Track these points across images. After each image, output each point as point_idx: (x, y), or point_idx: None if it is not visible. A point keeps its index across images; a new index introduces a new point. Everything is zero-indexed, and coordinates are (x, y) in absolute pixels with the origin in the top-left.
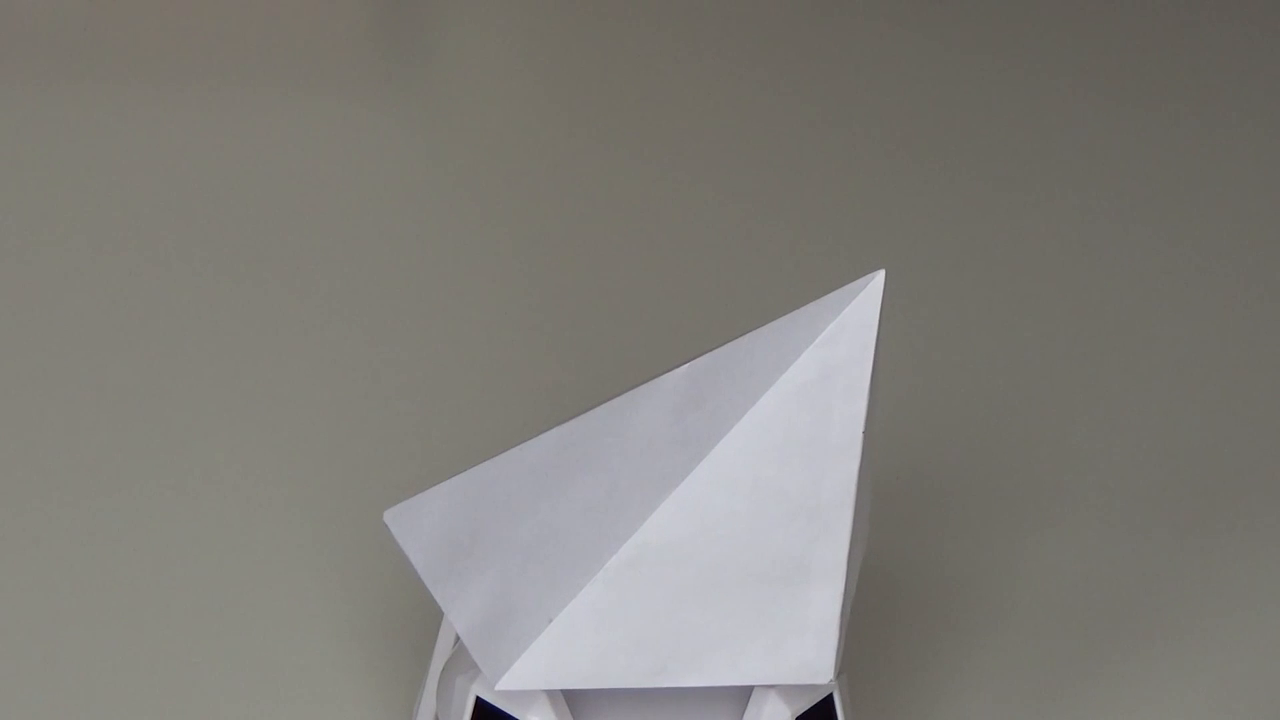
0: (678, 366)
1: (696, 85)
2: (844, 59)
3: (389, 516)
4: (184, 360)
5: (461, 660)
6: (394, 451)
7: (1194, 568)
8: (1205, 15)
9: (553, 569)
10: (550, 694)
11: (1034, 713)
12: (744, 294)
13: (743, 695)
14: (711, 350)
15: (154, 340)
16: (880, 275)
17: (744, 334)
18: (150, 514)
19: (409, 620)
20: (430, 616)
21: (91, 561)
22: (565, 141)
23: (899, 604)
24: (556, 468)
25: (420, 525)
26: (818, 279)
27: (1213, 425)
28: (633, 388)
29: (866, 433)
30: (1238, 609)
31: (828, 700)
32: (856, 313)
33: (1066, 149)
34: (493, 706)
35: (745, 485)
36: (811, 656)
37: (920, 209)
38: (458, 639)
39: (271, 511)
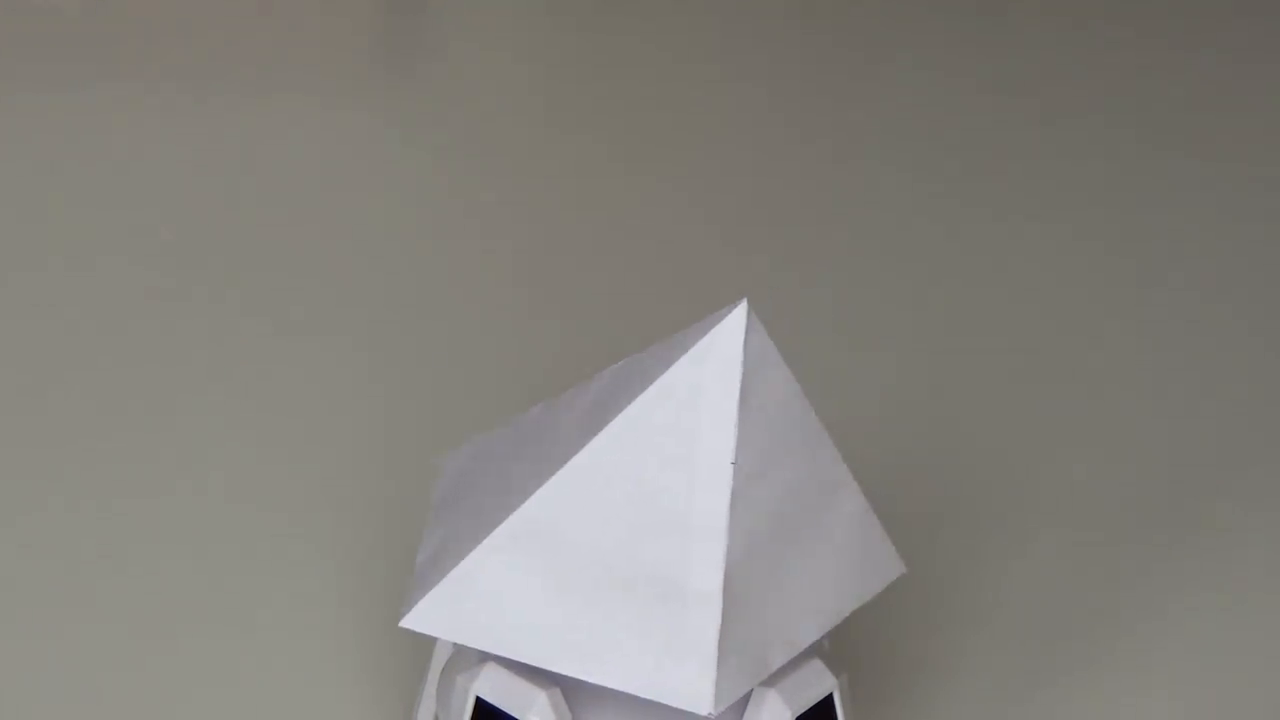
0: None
1: (696, 85)
2: (844, 58)
3: (440, 459)
4: (185, 360)
5: (461, 660)
6: (394, 451)
7: (1179, 570)
8: (1198, 18)
9: (474, 529)
10: (550, 694)
11: (1034, 712)
12: (744, 293)
13: (742, 695)
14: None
15: (155, 340)
16: (743, 305)
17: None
18: (150, 514)
19: None
20: None
21: (92, 562)
22: (565, 141)
23: (899, 605)
24: (520, 441)
25: (449, 470)
26: (818, 277)
27: (1193, 431)
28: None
29: (762, 477)
30: (1220, 610)
31: (828, 700)
32: (722, 339)
33: (1045, 156)
34: (493, 706)
35: (620, 483)
36: (693, 682)
37: (908, 215)
38: None
39: (271, 512)
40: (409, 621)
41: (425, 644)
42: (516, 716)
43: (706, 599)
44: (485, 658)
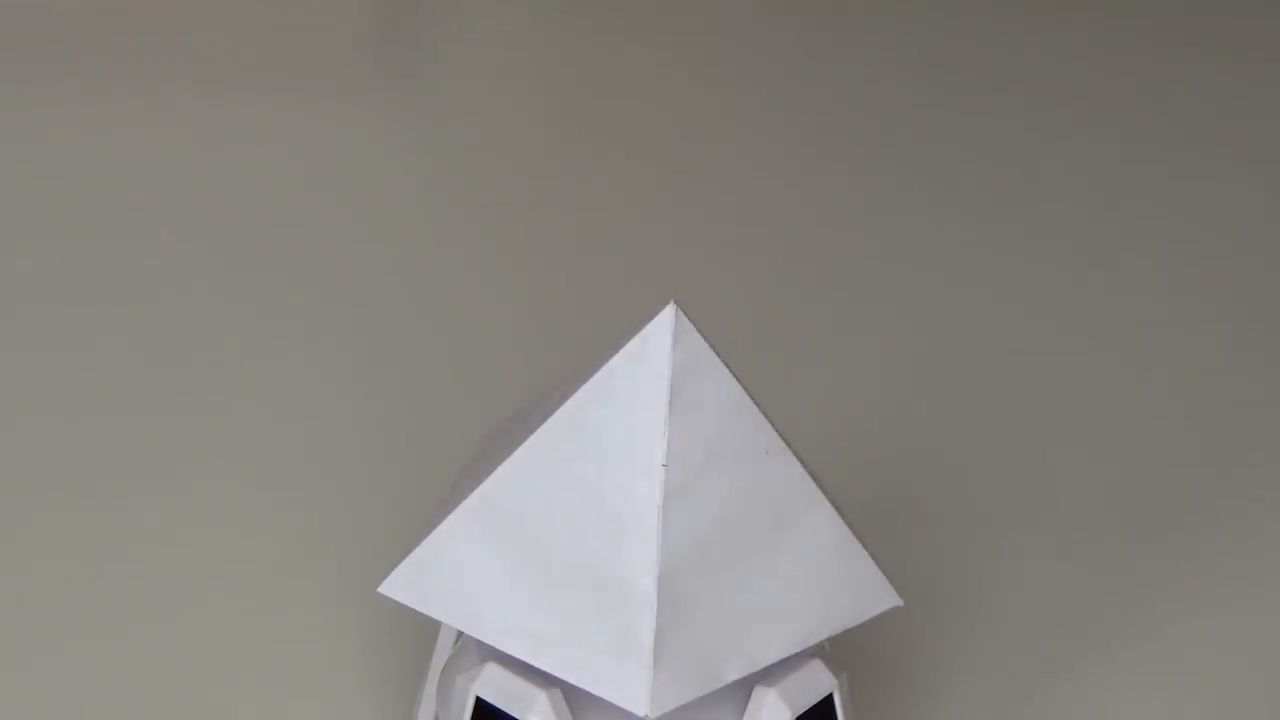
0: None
1: (696, 84)
2: (842, 58)
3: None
4: (185, 360)
5: (461, 660)
6: (395, 450)
7: (1178, 569)
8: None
9: (450, 504)
10: (550, 694)
11: (1035, 712)
12: (744, 292)
13: (743, 695)
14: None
15: (155, 340)
16: (670, 308)
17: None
18: (150, 514)
19: (409, 621)
20: (430, 618)
21: (92, 562)
22: (565, 141)
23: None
24: (511, 424)
25: (475, 447)
26: (816, 277)
27: (1184, 426)
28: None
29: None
30: (1220, 609)
31: (828, 700)
32: (651, 340)
33: (1047, 155)
34: (493, 706)
35: (563, 477)
36: (632, 682)
37: (903, 216)
38: (458, 638)
39: (271, 512)
40: (385, 588)
41: (425, 644)
42: (516, 716)
43: (643, 599)
44: (485, 658)
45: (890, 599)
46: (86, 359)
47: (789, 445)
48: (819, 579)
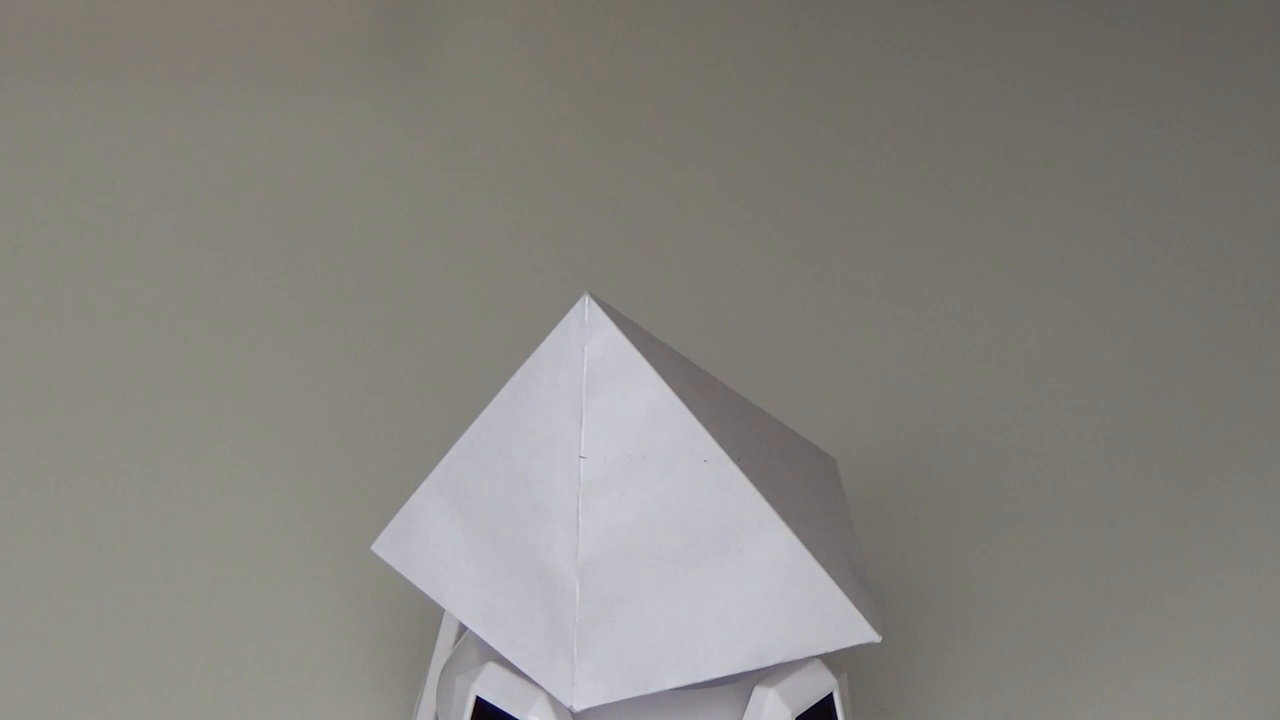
0: None
1: (696, 84)
2: (842, 58)
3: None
4: (185, 360)
5: (461, 660)
6: (395, 451)
7: (1180, 568)
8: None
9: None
10: (550, 694)
11: (1034, 711)
12: (745, 292)
13: (743, 695)
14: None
15: (155, 340)
16: (583, 300)
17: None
18: (151, 515)
19: (409, 620)
20: (430, 616)
21: (93, 563)
22: (565, 140)
23: (899, 606)
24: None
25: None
26: (815, 277)
27: (1184, 426)
28: None
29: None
30: (1220, 609)
31: (828, 700)
32: (567, 332)
33: (1052, 155)
34: (493, 706)
35: (503, 456)
36: (561, 672)
37: (902, 216)
38: (458, 638)
39: (271, 512)
40: (377, 546)
41: (425, 644)
42: (516, 716)
43: (567, 589)
44: (485, 658)
45: (863, 633)
46: (85, 358)
47: (761, 459)
48: (772, 600)
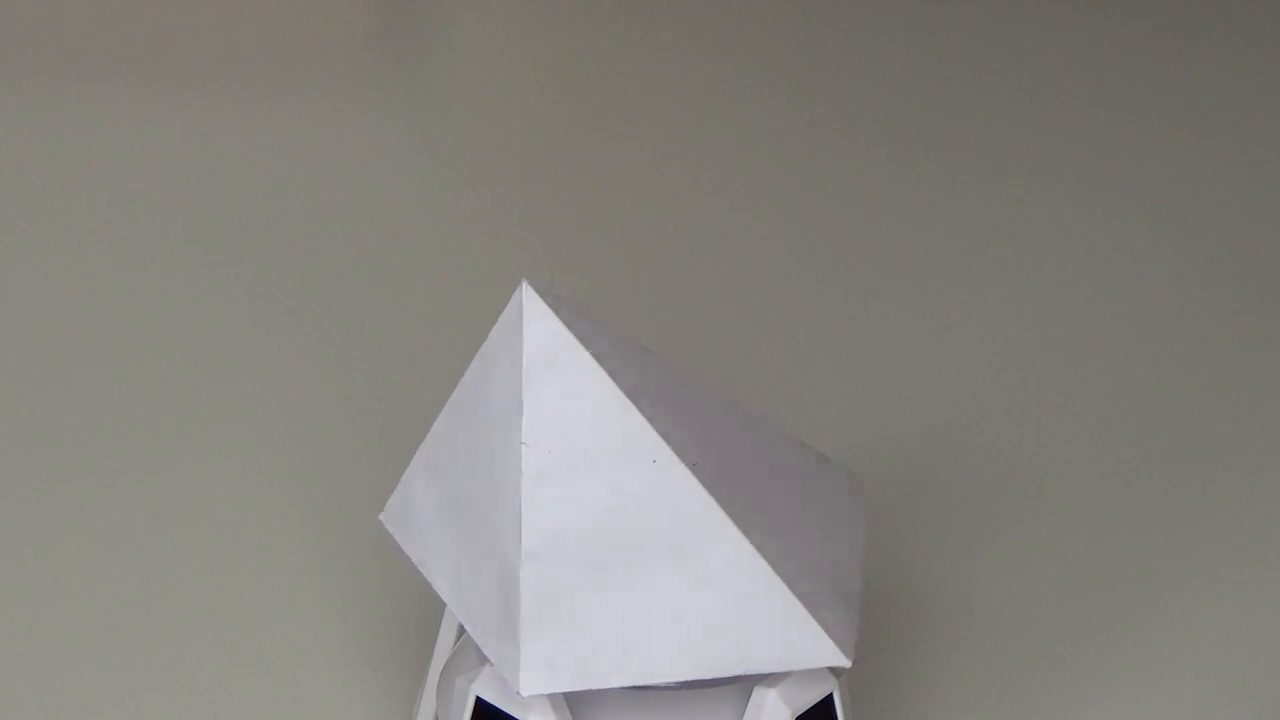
0: None
1: (697, 84)
2: (843, 58)
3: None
4: (185, 359)
5: (461, 660)
6: (395, 451)
7: (1173, 565)
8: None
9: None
10: (550, 694)
11: (1035, 711)
12: (745, 292)
13: (743, 695)
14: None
15: (155, 339)
16: (520, 288)
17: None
18: (150, 515)
19: (409, 620)
20: (430, 616)
21: (92, 562)
22: (566, 140)
23: (899, 606)
24: None
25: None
26: (815, 277)
27: (1184, 426)
28: None
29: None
30: (1220, 608)
31: (828, 700)
32: (508, 321)
33: (1060, 155)
34: (493, 706)
35: (470, 438)
36: (512, 660)
37: (900, 216)
38: (458, 638)
39: (271, 512)
40: (384, 516)
41: (425, 644)
42: (516, 716)
43: (514, 579)
44: (485, 658)
45: (829, 656)
46: (84, 358)
47: (731, 467)
48: (730, 612)
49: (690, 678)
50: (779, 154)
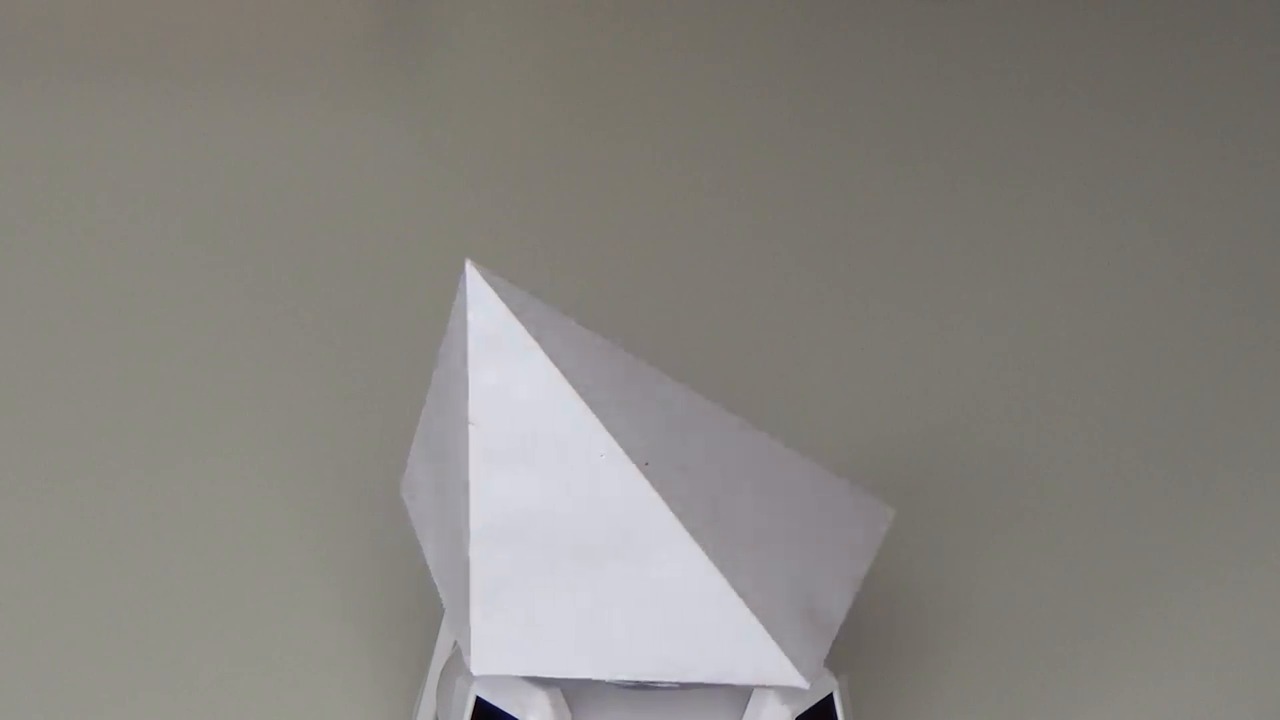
0: None
1: (697, 84)
2: (843, 58)
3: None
4: (185, 358)
5: (462, 660)
6: (396, 451)
7: (1173, 565)
8: (1197, 17)
9: None
10: (550, 693)
11: (1035, 711)
12: (745, 292)
13: (743, 695)
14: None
15: (155, 339)
16: (466, 269)
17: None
18: (150, 514)
19: (409, 620)
20: (430, 616)
21: (92, 562)
22: (565, 140)
23: (898, 606)
24: None
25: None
26: (814, 277)
27: (1184, 426)
28: None
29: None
30: (1216, 605)
31: (828, 700)
32: (459, 304)
33: (1060, 155)
34: (493, 706)
35: (442, 417)
36: (467, 640)
37: (899, 216)
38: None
39: (271, 512)
40: (402, 490)
41: (425, 644)
42: (516, 716)
43: (465, 560)
44: None
45: (785, 675)
46: (83, 357)
47: (698, 470)
48: (682, 617)
49: (647, 678)
50: (779, 154)
